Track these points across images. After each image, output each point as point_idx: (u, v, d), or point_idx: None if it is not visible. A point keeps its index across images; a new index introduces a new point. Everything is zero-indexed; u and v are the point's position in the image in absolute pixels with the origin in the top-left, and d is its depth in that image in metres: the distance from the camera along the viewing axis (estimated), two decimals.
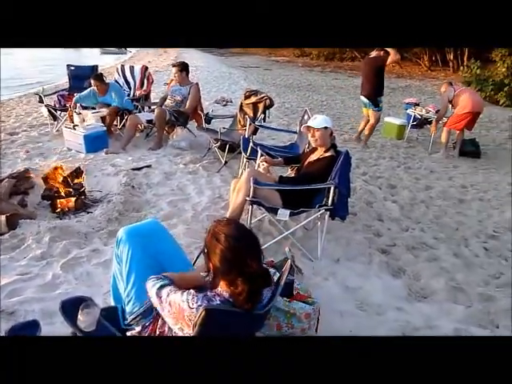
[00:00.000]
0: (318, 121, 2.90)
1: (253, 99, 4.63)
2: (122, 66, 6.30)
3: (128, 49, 49.72)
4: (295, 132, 4.52)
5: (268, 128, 4.57)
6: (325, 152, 2.91)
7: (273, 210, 2.77)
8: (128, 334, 1.72)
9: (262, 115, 4.49)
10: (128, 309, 1.76)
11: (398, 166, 5.49)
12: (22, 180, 3.75)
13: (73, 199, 3.46)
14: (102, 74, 5.68)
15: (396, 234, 3.45)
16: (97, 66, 6.68)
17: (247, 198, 2.68)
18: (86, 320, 1.57)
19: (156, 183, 4.08)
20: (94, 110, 5.31)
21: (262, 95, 4.58)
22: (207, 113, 5.32)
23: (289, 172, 3.50)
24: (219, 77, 14.85)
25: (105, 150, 4.91)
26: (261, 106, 4.52)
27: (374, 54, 5.66)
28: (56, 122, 5.89)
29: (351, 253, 3.08)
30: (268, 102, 4.48)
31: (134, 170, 4.34)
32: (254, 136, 4.60)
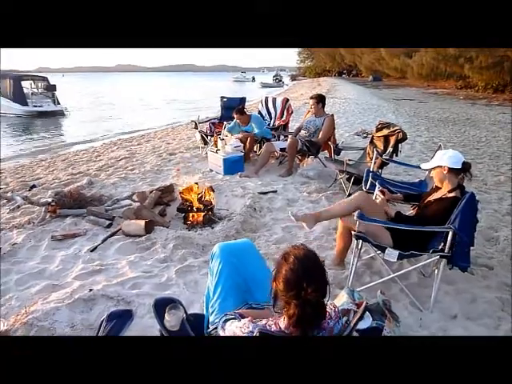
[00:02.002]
0: (452, 160, 2.60)
1: (385, 132, 4.46)
2: (266, 98, 6.83)
3: (285, 82, 53.33)
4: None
5: (395, 162, 4.31)
6: (449, 192, 2.62)
7: (381, 249, 2.61)
8: None
9: (391, 149, 4.28)
10: (211, 319, 1.89)
11: None
12: (167, 193, 4.38)
13: (202, 214, 3.88)
14: (243, 107, 6.25)
15: None
16: (245, 98, 7.40)
17: (352, 232, 2.60)
18: (171, 320, 1.75)
19: (277, 208, 4.25)
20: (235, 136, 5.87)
21: (395, 128, 4.37)
22: (337, 144, 5.33)
23: (410, 211, 3.25)
24: (366, 109, 14.67)
25: (239, 173, 5.36)
26: (392, 139, 4.33)
27: None
28: (206, 146, 6.70)
29: (474, 312, 2.65)
30: (400, 135, 4.26)
31: (260, 193, 4.62)
32: (381, 170, 4.41)
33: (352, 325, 1.49)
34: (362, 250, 2.86)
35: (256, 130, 5.90)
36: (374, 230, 2.62)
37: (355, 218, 2.46)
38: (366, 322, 2.09)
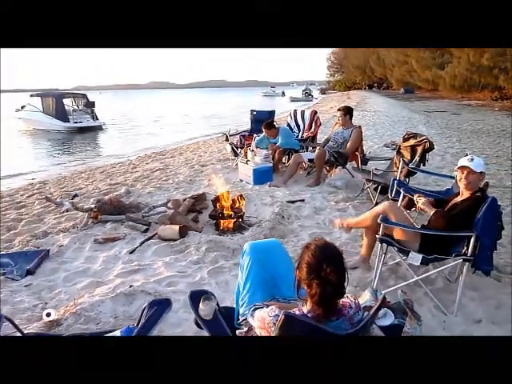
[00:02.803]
0: (476, 162, 2.67)
1: (411, 142, 4.52)
2: (295, 111, 7.02)
3: (314, 96, 53.47)
4: (452, 177, 4.19)
5: (422, 171, 4.36)
6: (472, 194, 2.68)
7: (405, 253, 2.69)
8: (237, 332, 1.99)
9: (417, 158, 4.33)
10: (241, 311, 2.05)
11: None
12: (199, 201, 4.61)
13: (232, 221, 4.06)
14: (272, 121, 6.48)
15: None
16: (274, 111, 7.62)
17: (376, 236, 2.70)
18: (205, 309, 1.93)
19: (305, 216, 4.38)
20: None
21: (422, 138, 4.43)
22: (364, 154, 5.42)
23: None
24: (397, 121, 14.58)
25: (268, 183, 5.53)
26: (419, 148, 4.38)
27: None
28: (236, 158, 6.93)
29: (499, 317, 2.67)
30: (427, 145, 4.31)
31: (288, 202, 4.76)
32: (408, 180, 4.46)
33: (371, 313, 1.61)
34: (388, 256, 2.96)
35: (284, 142, 6.08)
36: (400, 235, 2.71)
37: (378, 220, 2.57)
38: (389, 319, 2.19)
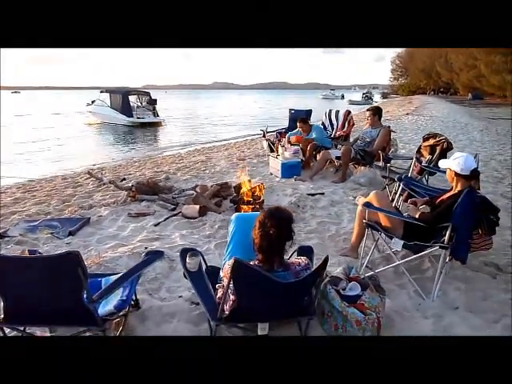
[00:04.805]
0: (461, 165, 2.76)
1: (431, 142, 4.61)
2: (330, 111, 7.24)
3: (374, 99, 52.18)
4: None
5: (435, 170, 4.43)
6: (458, 191, 2.84)
7: (390, 238, 2.91)
8: (217, 286, 2.35)
9: (435, 157, 4.42)
10: (221, 272, 2.43)
11: None
12: (225, 188, 5.04)
13: (251, 207, 4.45)
14: (306, 117, 6.75)
15: None
16: (311, 110, 7.89)
17: (363, 221, 2.95)
18: (191, 263, 2.33)
19: (320, 207, 4.65)
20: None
21: (441, 138, 4.51)
22: (387, 153, 5.54)
23: None
24: (451, 127, 14.08)
25: (295, 176, 5.84)
26: (438, 148, 4.47)
27: None
28: (271, 153, 7.30)
29: (479, 307, 2.77)
30: (445, 144, 4.39)
31: (308, 194, 5.05)
32: (427, 177, 4.57)
33: (313, 269, 1.92)
34: (383, 246, 3.18)
35: (316, 139, 6.35)
36: (385, 221, 2.93)
37: (360, 206, 2.82)
38: (355, 291, 2.45)
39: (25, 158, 12.19)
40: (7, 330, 2.03)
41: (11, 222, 4.18)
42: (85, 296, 1.83)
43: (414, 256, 2.92)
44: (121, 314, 2.15)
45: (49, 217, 4.34)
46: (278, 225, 1.85)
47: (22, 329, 2.02)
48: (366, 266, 2.68)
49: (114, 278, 2.23)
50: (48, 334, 2.03)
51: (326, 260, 1.92)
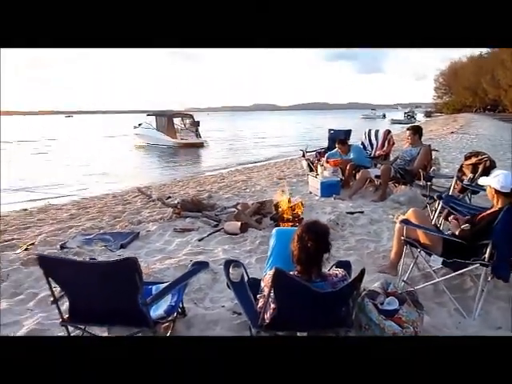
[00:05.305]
0: (496, 180, 2.76)
1: (473, 160, 4.56)
2: (369, 130, 7.28)
3: (417, 119, 51.08)
4: None
5: (477, 188, 4.35)
6: (499, 208, 2.83)
7: (429, 255, 2.93)
8: (258, 296, 2.47)
9: (477, 176, 4.36)
10: (262, 283, 2.56)
11: None
12: (265, 206, 5.20)
13: (291, 224, 4.57)
14: (345, 138, 6.85)
15: None
16: (350, 130, 7.95)
17: (402, 238, 2.99)
18: (234, 274, 2.48)
19: (359, 225, 4.69)
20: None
21: (483, 156, 4.45)
22: (427, 172, 5.49)
23: None
24: (497, 145, 13.58)
25: (334, 195, 5.91)
26: (480, 167, 4.41)
27: None
28: (311, 173, 7.42)
29: None
30: (488, 163, 4.33)
31: (348, 213, 5.10)
32: (470, 196, 4.51)
33: (349, 281, 2.01)
34: (419, 260, 3.19)
35: (354, 159, 6.41)
36: (424, 238, 2.96)
37: (398, 223, 2.87)
38: (393, 305, 2.49)
39: (76, 180, 12.97)
40: (71, 329, 2.25)
41: (69, 235, 4.56)
42: (139, 299, 2.03)
43: (454, 273, 2.91)
44: (169, 318, 2.33)
45: (102, 231, 4.68)
46: (316, 238, 1.97)
47: (83, 327, 2.24)
48: (405, 282, 2.71)
49: (163, 285, 2.43)
50: (106, 334, 2.24)
51: (362, 272, 2.01)
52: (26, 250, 4.08)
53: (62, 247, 4.00)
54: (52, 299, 2.14)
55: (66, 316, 2.17)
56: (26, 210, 7.45)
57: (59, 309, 2.16)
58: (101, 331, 2.27)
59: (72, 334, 2.26)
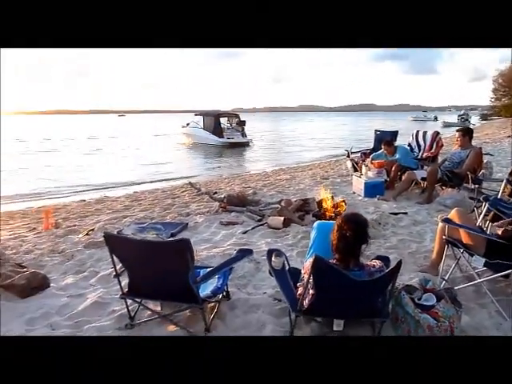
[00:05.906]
0: None
1: None
2: (417, 132, 7.17)
3: (471, 122, 48.63)
4: None
5: None
6: None
7: (470, 255, 2.93)
8: (298, 284, 2.62)
9: None
10: (302, 270, 2.71)
11: None
12: (308, 204, 5.33)
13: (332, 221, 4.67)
14: (391, 140, 6.80)
15: None
16: (397, 132, 7.85)
17: (443, 237, 3.01)
18: (276, 262, 2.64)
19: (402, 226, 4.68)
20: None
21: None
22: (476, 175, 5.35)
23: None
24: None
25: (378, 196, 5.91)
26: None
27: None
28: (355, 173, 7.43)
29: None
30: None
31: (391, 213, 5.10)
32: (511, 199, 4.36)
33: (386, 271, 2.11)
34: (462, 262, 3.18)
35: (400, 160, 6.35)
36: (466, 238, 2.96)
37: (440, 221, 2.90)
38: (431, 301, 2.55)
39: (127, 174, 13.73)
40: (129, 302, 2.52)
41: (124, 224, 4.94)
42: (190, 278, 2.24)
43: (497, 275, 2.89)
44: (215, 299, 2.54)
45: (154, 221, 5.03)
46: (354, 228, 2.09)
47: (139, 301, 2.50)
48: (444, 279, 2.74)
49: (210, 269, 2.65)
50: (159, 309, 2.49)
51: (399, 263, 2.10)
52: (87, 234, 4.50)
53: (118, 234, 4.36)
54: (114, 274, 2.41)
55: (125, 290, 2.44)
56: (84, 200, 8.08)
57: (120, 283, 2.44)
58: (154, 305, 2.52)
59: (130, 308, 2.53)
